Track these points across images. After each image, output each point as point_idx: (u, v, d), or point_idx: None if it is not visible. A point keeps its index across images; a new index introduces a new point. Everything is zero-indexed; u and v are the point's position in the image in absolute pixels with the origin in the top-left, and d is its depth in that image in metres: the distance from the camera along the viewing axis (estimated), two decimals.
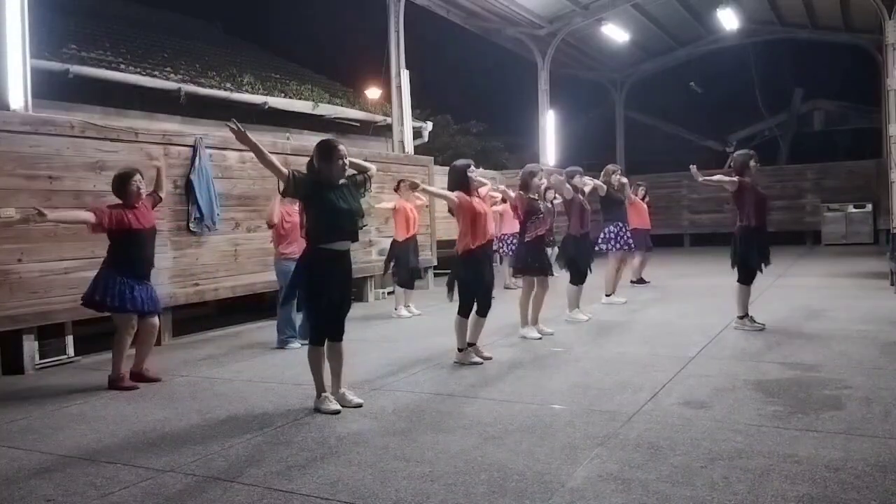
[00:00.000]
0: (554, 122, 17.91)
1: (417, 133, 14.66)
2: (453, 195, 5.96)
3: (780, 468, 3.46)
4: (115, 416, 4.88)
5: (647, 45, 20.23)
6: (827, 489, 3.21)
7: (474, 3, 14.99)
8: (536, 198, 6.98)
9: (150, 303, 5.81)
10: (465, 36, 17.15)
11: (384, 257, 9.22)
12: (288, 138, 11.77)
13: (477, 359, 6.05)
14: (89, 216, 5.59)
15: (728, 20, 16.72)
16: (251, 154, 9.41)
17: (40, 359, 6.56)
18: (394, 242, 8.94)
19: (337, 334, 4.82)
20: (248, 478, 3.61)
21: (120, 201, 5.71)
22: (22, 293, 6.36)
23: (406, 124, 12.81)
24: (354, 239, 4.78)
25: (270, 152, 9.72)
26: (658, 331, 7.30)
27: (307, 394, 5.24)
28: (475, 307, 6.04)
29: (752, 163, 7.11)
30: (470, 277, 5.96)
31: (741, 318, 7.16)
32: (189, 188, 7.86)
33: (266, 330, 8.50)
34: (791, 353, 5.99)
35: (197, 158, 7.93)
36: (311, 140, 12.77)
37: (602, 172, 9.37)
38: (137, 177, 5.75)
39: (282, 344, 7.18)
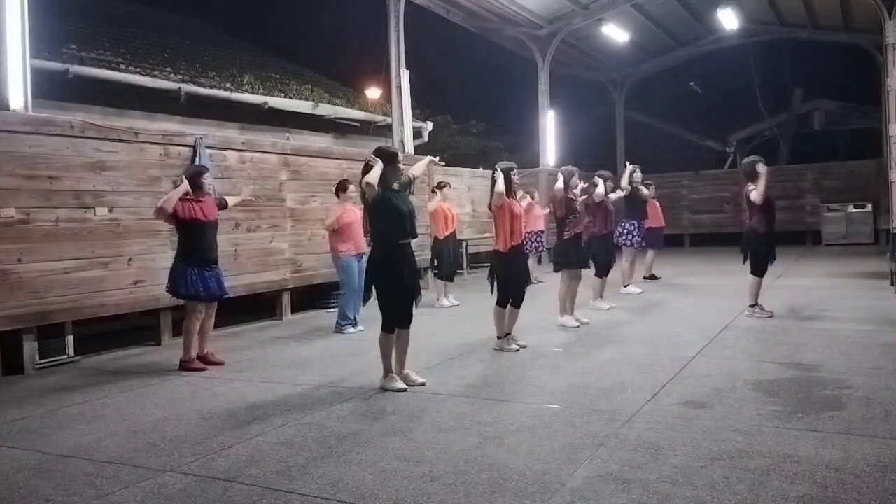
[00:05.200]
0: (554, 122, 17.89)
1: (417, 133, 14.65)
2: (500, 195, 6.42)
3: (781, 468, 3.46)
4: (115, 416, 4.88)
5: (647, 45, 20.20)
6: (827, 489, 3.21)
7: (474, 3, 14.97)
8: (574, 198, 7.57)
9: (220, 288, 6.39)
10: (465, 36, 17.12)
11: None
12: (288, 138, 11.76)
13: (514, 346, 6.55)
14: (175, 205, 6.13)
15: (728, 20, 16.70)
16: (251, 154, 9.48)
17: (40, 359, 6.56)
18: (435, 240, 9.78)
19: (407, 321, 5.33)
20: (248, 478, 3.61)
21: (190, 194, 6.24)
22: (22, 293, 6.36)
23: (406, 124, 12.80)
24: (414, 236, 5.34)
25: (270, 152, 9.79)
26: (658, 331, 7.30)
27: (307, 394, 5.25)
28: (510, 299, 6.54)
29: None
30: (510, 272, 6.46)
31: (752, 306, 7.80)
32: None
33: (266, 329, 8.51)
34: (791, 353, 5.99)
35: (197, 158, 7.93)
36: (311, 140, 12.90)
37: (626, 174, 10.18)
38: (208, 174, 6.50)
39: (339, 329, 7.90)
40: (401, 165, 5.34)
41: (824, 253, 16.13)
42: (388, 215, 5.18)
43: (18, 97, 6.61)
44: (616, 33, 16.97)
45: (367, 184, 5.11)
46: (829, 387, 4.89)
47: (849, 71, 21.22)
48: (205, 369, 6.23)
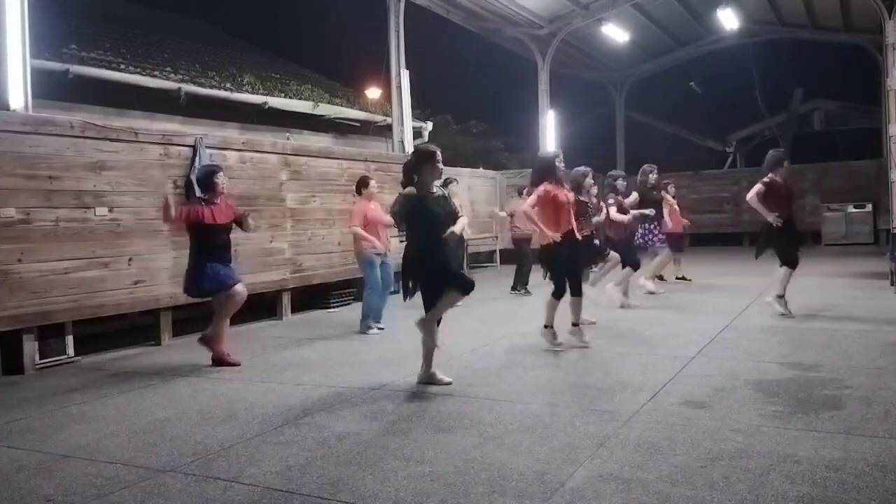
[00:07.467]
0: (554, 122, 17.90)
1: (417, 133, 14.66)
2: (532, 201, 6.36)
3: (781, 468, 3.46)
4: (115, 416, 4.88)
5: (647, 45, 20.22)
6: (827, 489, 3.21)
7: (474, 3, 14.98)
8: (586, 199, 7.51)
9: (231, 278, 6.32)
10: (465, 36, 17.16)
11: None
12: (288, 138, 11.77)
13: (586, 338, 6.53)
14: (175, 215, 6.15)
15: (728, 20, 16.72)
16: (251, 154, 9.48)
17: (40, 359, 6.55)
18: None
19: (462, 287, 5.21)
20: (247, 478, 3.61)
21: (203, 196, 6.32)
22: (22, 293, 6.36)
23: (406, 124, 12.80)
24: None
25: (270, 152, 9.76)
26: (658, 330, 7.30)
27: (307, 394, 5.25)
28: (569, 289, 6.45)
29: (785, 163, 7.80)
30: (562, 263, 6.37)
31: (779, 296, 7.66)
32: (189, 188, 7.85)
33: (266, 329, 8.50)
34: (791, 353, 5.99)
35: (197, 158, 7.92)
36: (311, 140, 12.91)
37: (640, 172, 10.11)
38: (221, 174, 6.38)
39: (364, 330, 7.82)
40: (439, 165, 5.23)
41: (824, 253, 16.12)
42: (423, 222, 5.12)
43: (18, 97, 6.60)
44: (616, 33, 16.98)
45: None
46: (829, 387, 4.89)
47: (849, 71, 21.28)
48: (238, 364, 6.29)
